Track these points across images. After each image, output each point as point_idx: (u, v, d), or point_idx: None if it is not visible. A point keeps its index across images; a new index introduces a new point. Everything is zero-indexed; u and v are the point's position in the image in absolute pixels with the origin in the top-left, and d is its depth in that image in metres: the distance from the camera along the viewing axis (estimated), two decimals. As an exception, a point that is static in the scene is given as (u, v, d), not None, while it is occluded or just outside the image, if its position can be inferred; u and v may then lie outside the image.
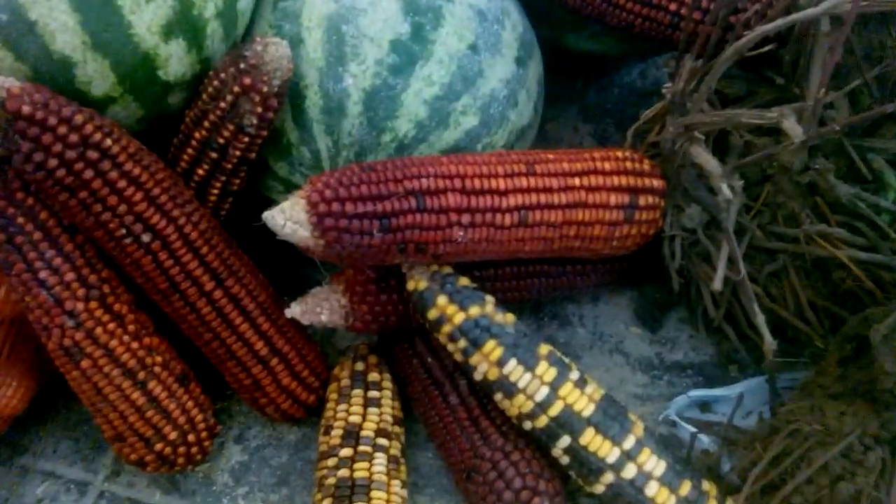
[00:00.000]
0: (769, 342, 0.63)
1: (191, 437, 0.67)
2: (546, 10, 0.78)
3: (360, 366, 0.71)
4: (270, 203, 0.70)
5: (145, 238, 0.60)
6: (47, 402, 0.75)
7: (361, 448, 0.66)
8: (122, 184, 0.58)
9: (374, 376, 0.70)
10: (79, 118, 0.56)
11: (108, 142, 0.57)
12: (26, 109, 0.54)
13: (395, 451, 0.67)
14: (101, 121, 0.58)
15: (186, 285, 0.63)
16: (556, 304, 0.80)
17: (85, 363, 0.62)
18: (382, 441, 0.66)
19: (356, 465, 0.65)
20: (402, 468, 0.68)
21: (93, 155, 0.57)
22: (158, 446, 0.65)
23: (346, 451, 0.65)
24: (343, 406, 0.68)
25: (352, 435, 0.66)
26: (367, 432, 0.67)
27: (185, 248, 0.62)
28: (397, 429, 0.69)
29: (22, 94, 0.54)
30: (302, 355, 0.70)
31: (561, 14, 0.78)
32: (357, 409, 0.68)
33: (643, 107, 0.89)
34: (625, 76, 0.96)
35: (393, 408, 0.70)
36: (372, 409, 0.68)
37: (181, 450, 0.66)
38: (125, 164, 0.58)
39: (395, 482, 0.65)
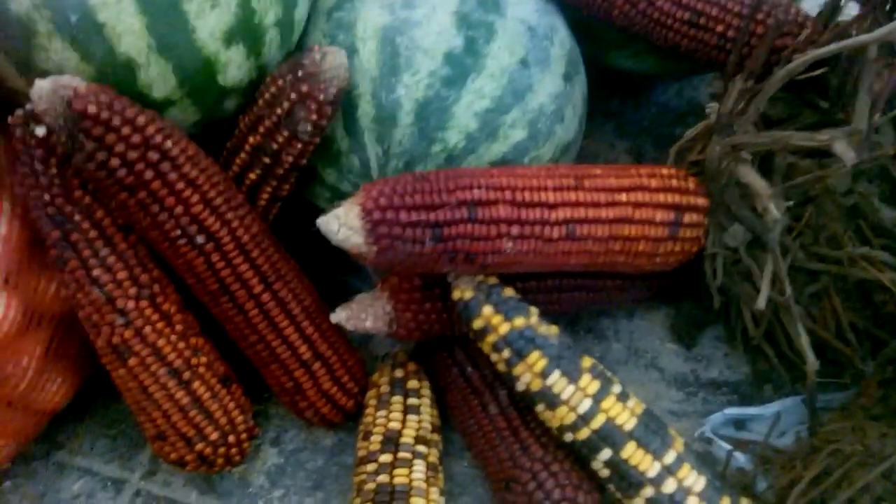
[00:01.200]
0: (812, 362, 0.64)
1: (231, 439, 0.68)
2: (590, 27, 0.78)
3: (399, 373, 0.72)
4: (314, 210, 0.71)
5: (199, 240, 0.61)
6: (85, 400, 0.76)
7: (401, 454, 0.66)
8: (180, 185, 0.59)
9: (413, 384, 0.71)
10: (141, 119, 0.57)
11: (169, 144, 0.58)
12: (92, 109, 0.55)
13: (433, 459, 0.68)
14: (162, 123, 0.59)
15: (236, 287, 0.64)
16: (592, 319, 0.81)
17: (132, 361, 0.63)
18: (421, 448, 0.67)
19: (396, 472, 0.65)
20: (440, 476, 0.68)
21: (153, 156, 0.58)
22: (199, 446, 0.66)
23: (385, 457, 0.66)
24: (382, 412, 0.69)
25: (391, 441, 0.67)
26: (407, 439, 0.67)
27: (237, 250, 0.63)
28: (436, 437, 0.70)
29: (88, 94, 0.55)
30: (343, 360, 0.70)
31: (605, 32, 0.79)
32: (397, 415, 0.69)
33: (679, 125, 0.90)
34: (661, 95, 0.97)
35: (431, 415, 0.70)
36: (411, 416, 0.69)
37: (221, 450, 0.67)
38: (184, 167, 0.59)
39: (434, 489, 0.66)
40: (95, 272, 0.62)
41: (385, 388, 0.71)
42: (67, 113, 0.55)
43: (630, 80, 0.94)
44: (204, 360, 0.66)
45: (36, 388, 0.68)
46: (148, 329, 0.64)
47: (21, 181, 0.62)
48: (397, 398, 0.70)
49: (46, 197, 0.62)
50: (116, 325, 0.63)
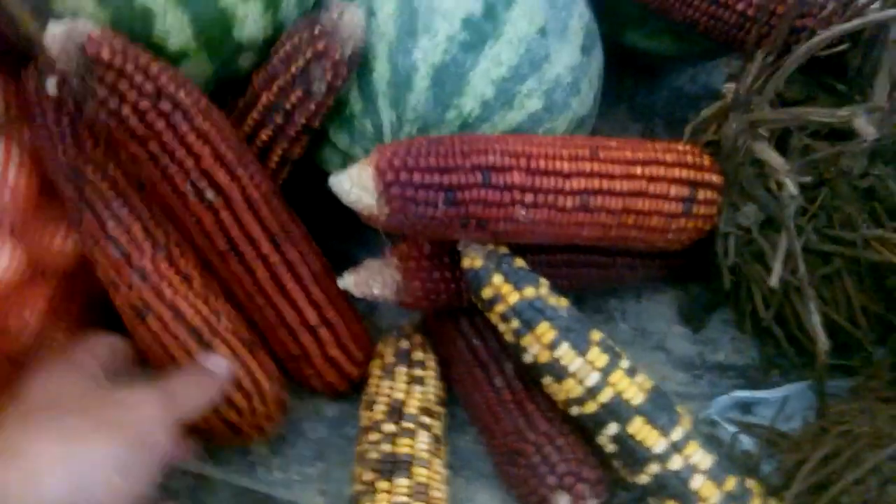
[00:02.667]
0: (823, 342, 0.63)
1: (258, 406, 0.65)
2: (606, 4, 0.78)
3: (404, 344, 0.71)
4: (321, 176, 0.71)
5: (209, 195, 0.60)
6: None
7: (405, 425, 0.65)
8: (191, 138, 0.58)
9: (418, 355, 0.70)
10: (154, 68, 0.56)
11: (182, 94, 0.57)
12: (105, 55, 0.54)
13: (437, 431, 0.67)
14: (175, 73, 0.58)
15: (245, 247, 0.63)
16: (599, 299, 0.80)
17: (151, 320, 0.62)
18: (426, 419, 0.66)
19: (399, 441, 0.64)
20: (444, 448, 0.67)
21: (165, 106, 0.57)
22: (226, 413, 0.64)
23: (389, 427, 0.65)
24: (387, 382, 0.68)
25: (395, 411, 0.66)
26: (411, 409, 0.66)
27: (247, 207, 0.62)
28: (440, 409, 0.69)
29: (102, 39, 0.54)
30: (349, 327, 0.69)
31: (622, 9, 0.79)
32: (401, 385, 0.68)
33: (692, 109, 0.89)
34: (674, 79, 0.96)
35: (436, 387, 0.69)
36: (416, 387, 0.68)
37: (249, 418, 0.65)
38: (196, 119, 0.58)
39: (437, 461, 0.65)
40: (110, 227, 0.61)
41: (390, 359, 0.70)
42: (80, 58, 0.54)
43: (644, 63, 0.93)
44: (226, 322, 0.65)
45: (37, 344, 0.66)
46: (166, 286, 0.62)
47: (35, 135, 0.61)
48: (402, 369, 0.69)
49: (60, 154, 0.61)
50: (134, 283, 0.62)
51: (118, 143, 0.58)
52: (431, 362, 0.71)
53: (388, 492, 0.62)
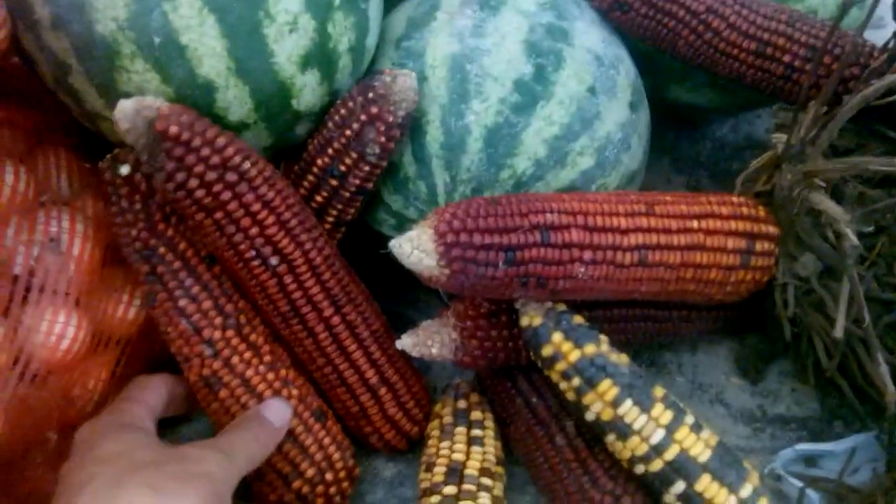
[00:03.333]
0: (892, 392, 0.62)
1: (328, 476, 0.65)
2: (649, 60, 0.79)
3: (462, 403, 0.70)
4: (375, 237, 0.71)
5: (273, 261, 0.61)
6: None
7: (466, 486, 0.65)
8: (256, 207, 0.59)
9: (476, 415, 0.70)
10: (221, 141, 0.57)
11: (247, 165, 0.58)
12: (173, 130, 0.55)
13: (498, 492, 0.66)
14: (241, 144, 0.59)
15: (307, 310, 0.63)
16: (654, 352, 0.79)
17: (223, 393, 0.63)
18: (486, 481, 0.65)
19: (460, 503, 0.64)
20: None
21: (232, 177, 0.58)
22: (296, 484, 0.64)
23: (449, 489, 0.64)
24: (446, 443, 0.68)
25: (455, 473, 0.65)
26: (471, 471, 0.66)
27: (310, 272, 0.63)
28: (500, 469, 0.68)
29: (170, 114, 0.56)
30: (409, 386, 0.70)
31: (665, 64, 0.79)
32: (460, 446, 0.67)
33: (736, 160, 0.90)
34: (716, 130, 0.97)
35: (496, 447, 0.69)
36: (475, 448, 0.67)
37: (319, 489, 0.65)
38: (260, 188, 0.59)
39: None
40: (181, 303, 0.63)
41: (448, 419, 0.69)
42: (149, 133, 0.56)
43: (686, 115, 0.94)
44: (296, 392, 0.65)
45: (100, 412, 0.67)
46: (236, 359, 0.63)
47: (112, 219, 0.63)
48: (461, 429, 0.68)
49: (133, 232, 0.63)
50: (205, 357, 0.63)
51: (184, 211, 0.59)
52: (490, 421, 0.70)
53: None
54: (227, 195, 0.58)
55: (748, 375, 0.78)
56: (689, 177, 0.92)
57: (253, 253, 0.60)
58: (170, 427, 0.76)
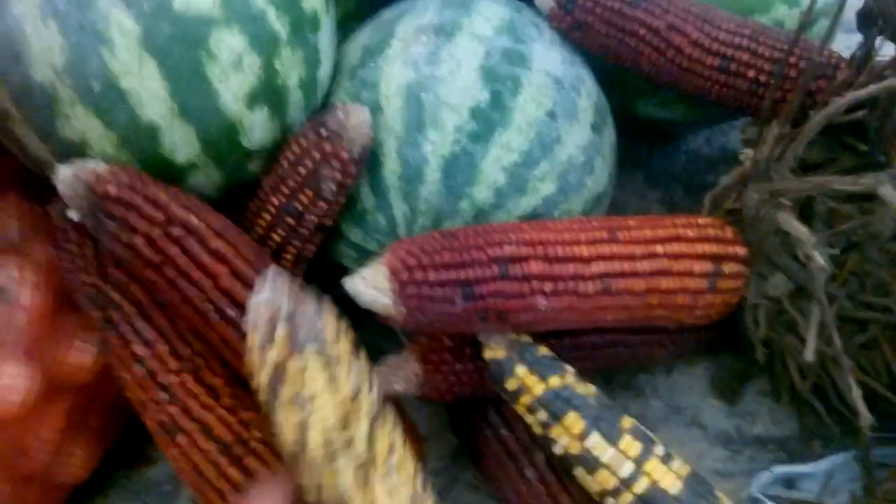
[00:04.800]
0: (865, 417, 0.60)
1: None
2: (616, 76, 0.77)
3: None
4: (339, 269, 0.70)
5: (230, 312, 0.59)
6: (107, 470, 0.74)
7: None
8: (206, 259, 0.58)
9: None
10: (163, 196, 0.57)
11: (193, 218, 0.57)
12: (112, 191, 0.55)
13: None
14: (186, 199, 0.58)
15: (271, 356, 0.62)
16: (629, 375, 0.78)
17: (181, 439, 0.61)
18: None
19: None
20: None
21: (177, 232, 0.57)
22: None
23: None
24: None
25: None
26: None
27: (271, 321, 0.61)
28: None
29: (108, 176, 0.56)
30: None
31: (631, 81, 0.78)
32: None
33: (710, 173, 0.88)
34: (690, 142, 0.95)
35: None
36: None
37: None
38: (210, 241, 0.58)
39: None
40: (135, 348, 0.61)
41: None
42: (90, 196, 0.55)
43: (658, 129, 0.93)
44: (258, 434, 0.63)
45: (56, 461, 0.66)
46: (193, 404, 0.61)
47: (59, 259, 0.62)
48: None
49: (84, 277, 0.61)
50: (161, 402, 0.61)
51: (137, 271, 0.59)
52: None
53: None
54: (174, 250, 0.57)
55: (725, 396, 0.76)
56: (663, 191, 0.91)
57: (210, 306, 0.59)
58: (133, 468, 0.75)
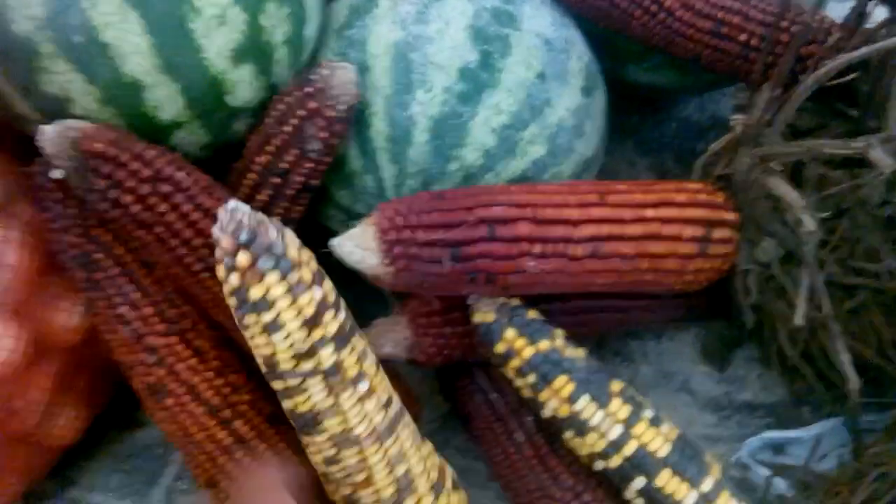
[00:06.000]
0: (854, 381, 0.60)
1: None
2: (606, 41, 0.76)
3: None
4: (328, 233, 0.69)
5: None
6: (98, 433, 0.73)
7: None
8: (195, 216, 0.57)
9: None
10: (150, 153, 0.56)
11: (180, 174, 0.57)
12: (98, 147, 0.54)
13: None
14: (171, 155, 0.58)
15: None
16: (619, 341, 0.78)
17: (169, 401, 0.61)
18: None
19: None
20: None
21: (165, 188, 0.56)
22: None
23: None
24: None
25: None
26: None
27: (261, 276, 0.60)
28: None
29: (94, 133, 0.55)
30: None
31: (622, 45, 0.77)
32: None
33: (701, 140, 0.88)
34: (681, 110, 0.94)
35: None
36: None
37: None
38: (198, 197, 0.57)
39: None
40: (121, 310, 0.61)
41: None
42: (76, 154, 0.55)
43: (649, 96, 0.92)
44: (247, 397, 0.63)
45: (46, 422, 0.65)
46: (181, 366, 0.61)
47: (43, 220, 0.61)
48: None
49: (68, 238, 0.61)
50: (148, 364, 0.61)
51: (125, 230, 0.58)
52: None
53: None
54: (163, 207, 0.56)
55: (714, 362, 0.76)
56: (653, 159, 0.90)
57: (200, 265, 0.58)
58: (124, 432, 0.75)
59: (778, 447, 0.71)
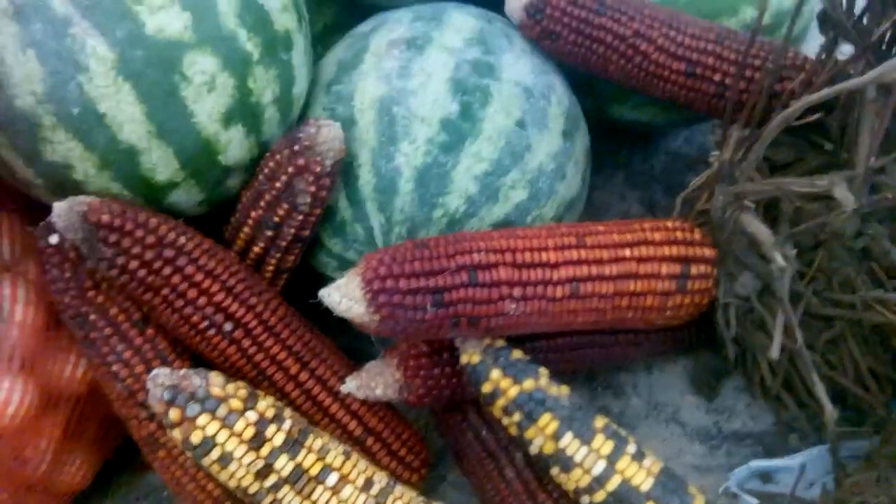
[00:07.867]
0: (830, 411, 0.62)
1: None
2: (589, 82, 0.79)
3: None
4: (323, 279, 0.72)
5: (227, 327, 0.62)
6: (107, 478, 0.76)
7: None
8: (199, 277, 0.61)
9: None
10: (153, 221, 0.60)
11: (183, 239, 0.61)
12: (105, 219, 0.58)
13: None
14: (174, 223, 0.62)
15: (272, 370, 0.65)
16: (610, 374, 0.80)
17: (161, 453, 0.64)
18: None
19: None
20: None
21: (169, 253, 0.60)
22: None
23: None
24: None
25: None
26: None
27: (267, 333, 0.64)
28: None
29: (101, 206, 0.59)
30: (397, 434, 0.70)
31: (604, 86, 0.80)
32: None
33: (690, 172, 0.89)
34: (670, 142, 0.96)
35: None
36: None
37: None
38: (200, 259, 0.61)
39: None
40: (114, 367, 0.64)
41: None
42: (85, 226, 0.59)
43: (636, 131, 0.94)
44: None
45: (56, 469, 0.68)
46: None
47: (48, 285, 0.65)
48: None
49: (65, 300, 0.64)
50: (141, 419, 0.64)
51: (134, 295, 0.62)
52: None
53: None
54: (168, 270, 0.60)
55: (703, 392, 0.78)
56: (643, 192, 0.92)
57: (206, 323, 0.62)
58: (135, 474, 0.77)
59: (766, 476, 0.72)
